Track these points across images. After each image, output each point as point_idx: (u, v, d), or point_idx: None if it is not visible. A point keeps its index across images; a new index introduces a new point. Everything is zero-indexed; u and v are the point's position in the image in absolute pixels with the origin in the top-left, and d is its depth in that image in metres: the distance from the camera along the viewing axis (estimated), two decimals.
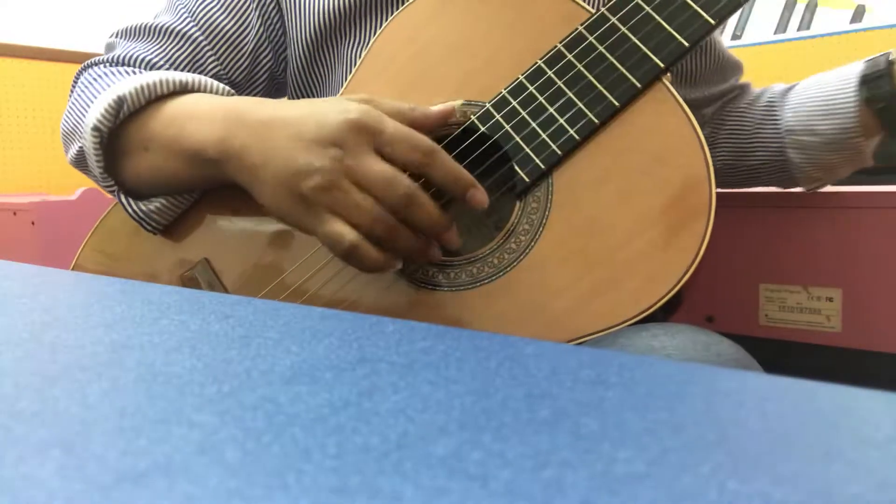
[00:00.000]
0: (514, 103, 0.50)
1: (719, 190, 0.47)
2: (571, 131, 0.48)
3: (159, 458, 0.14)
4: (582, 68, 0.49)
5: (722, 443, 0.14)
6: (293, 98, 0.68)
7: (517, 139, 0.49)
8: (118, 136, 0.56)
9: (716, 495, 0.12)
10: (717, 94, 0.72)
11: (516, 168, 0.49)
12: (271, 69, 0.66)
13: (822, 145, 0.62)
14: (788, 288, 0.68)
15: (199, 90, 0.56)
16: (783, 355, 0.68)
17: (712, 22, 0.48)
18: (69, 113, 0.62)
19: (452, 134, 0.51)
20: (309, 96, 0.67)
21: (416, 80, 0.54)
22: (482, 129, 0.50)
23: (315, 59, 0.64)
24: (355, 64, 0.61)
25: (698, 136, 0.47)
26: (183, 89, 0.55)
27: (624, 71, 0.48)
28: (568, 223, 0.48)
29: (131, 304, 0.28)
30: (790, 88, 0.68)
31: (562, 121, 0.48)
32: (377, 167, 0.44)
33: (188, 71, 0.63)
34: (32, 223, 1.23)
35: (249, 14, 0.64)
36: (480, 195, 0.47)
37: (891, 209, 0.64)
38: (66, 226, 1.26)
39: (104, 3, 2.79)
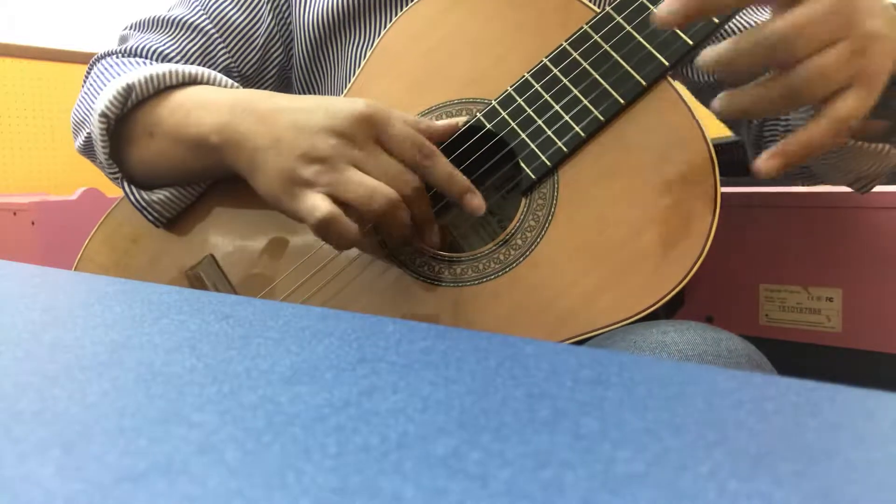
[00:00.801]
0: (520, 101, 0.50)
1: (721, 189, 0.47)
2: (577, 128, 0.48)
3: (159, 458, 0.14)
4: (587, 66, 0.50)
5: (722, 443, 0.14)
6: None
7: (523, 136, 0.49)
8: (125, 123, 0.56)
9: (716, 495, 0.12)
10: None
11: (522, 165, 0.49)
12: (281, 63, 0.67)
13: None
14: (788, 288, 0.68)
15: (208, 83, 0.56)
16: (783, 355, 0.68)
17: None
18: (80, 102, 0.63)
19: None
20: (312, 93, 0.67)
21: (423, 78, 0.54)
22: (488, 126, 0.50)
23: (318, 56, 0.64)
24: (359, 62, 0.62)
25: (703, 134, 0.47)
26: (192, 81, 0.56)
27: (629, 69, 0.48)
28: (573, 220, 0.48)
29: (131, 304, 0.28)
30: None
31: (567, 118, 0.49)
32: (384, 159, 0.45)
33: (199, 63, 0.64)
34: (32, 223, 1.23)
35: (261, 8, 0.64)
36: (477, 200, 0.48)
37: (891, 209, 0.64)
38: (66, 226, 1.26)
39: (105, 3, 2.79)
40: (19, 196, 1.55)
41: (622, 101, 0.48)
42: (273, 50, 0.66)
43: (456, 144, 0.50)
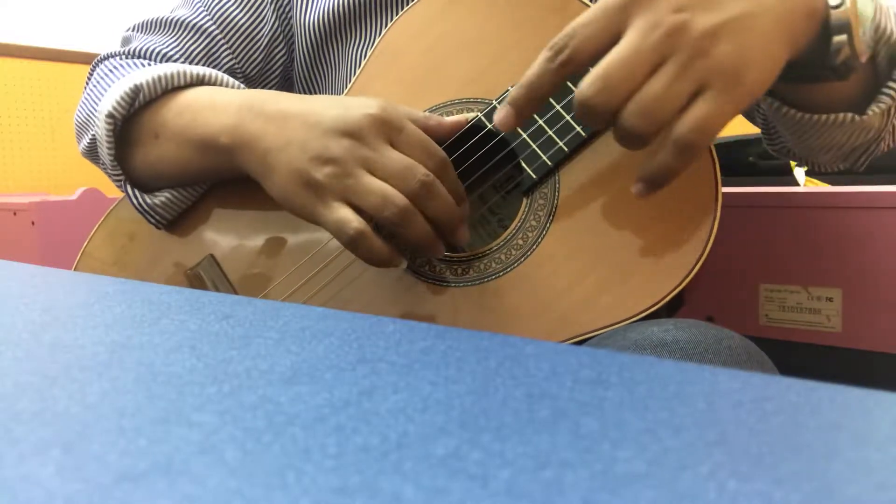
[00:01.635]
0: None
1: (721, 189, 0.47)
2: (578, 129, 0.48)
3: (159, 458, 0.14)
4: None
5: (722, 443, 0.14)
6: None
7: (524, 136, 0.49)
8: (130, 124, 0.56)
9: (716, 495, 0.12)
10: None
11: (523, 165, 0.49)
12: (285, 64, 0.67)
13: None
14: (788, 288, 0.68)
15: (214, 84, 0.56)
16: (783, 355, 0.68)
17: None
18: (84, 103, 0.62)
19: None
20: (313, 93, 0.67)
21: (424, 78, 0.54)
22: (489, 126, 0.50)
23: (319, 56, 0.64)
24: (359, 63, 0.62)
25: None
26: (199, 82, 0.56)
27: None
28: (574, 220, 0.48)
29: (131, 304, 0.28)
30: None
31: (568, 118, 0.49)
32: (394, 155, 0.45)
33: (203, 65, 0.63)
34: (32, 223, 1.23)
35: (265, 9, 0.64)
36: (465, 236, 0.48)
37: (891, 209, 0.64)
38: (66, 226, 1.25)
39: (105, 3, 2.79)
40: (19, 196, 1.55)
41: None
42: (276, 50, 0.66)
43: (457, 144, 0.50)
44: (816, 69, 0.44)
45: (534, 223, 0.49)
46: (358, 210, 0.44)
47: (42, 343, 0.22)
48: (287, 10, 0.65)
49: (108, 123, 0.54)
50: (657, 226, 0.46)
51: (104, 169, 0.60)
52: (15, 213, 1.25)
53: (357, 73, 0.57)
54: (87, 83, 0.64)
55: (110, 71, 0.61)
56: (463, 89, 0.53)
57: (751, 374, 0.18)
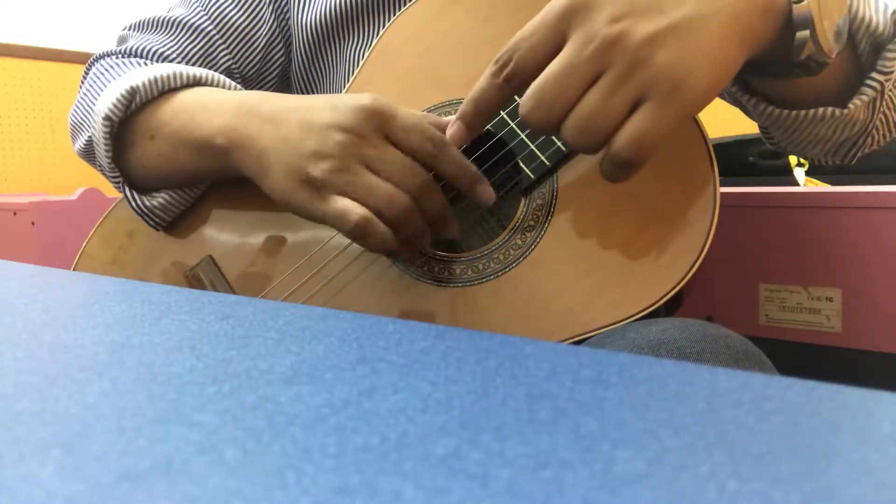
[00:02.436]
0: (519, 100, 0.50)
1: (721, 189, 0.47)
2: None
3: (159, 458, 0.14)
4: None
5: (722, 443, 0.14)
6: None
7: (522, 136, 0.49)
8: (127, 125, 0.56)
9: (716, 495, 0.12)
10: None
11: (521, 165, 0.49)
12: (283, 64, 0.66)
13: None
14: (788, 288, 0.68)
15: (210, 85, 0.56)
16: (783, 355, 0.68)
17: None
18: (79, 103, 0.62)
19: None
20: (311, 94, 0.67)
21: (421, 79, 0.54)
22: (487, 125, 0.50)
23: (316, 58, 0.64)
24: (357, 63, 0.61)
25: (703, 134, 0.47)
26: (195, 83, 0.55)
27: None
28: (573, 219, 0.48)
29: (131, 304, 0.28)
30: None
31: None
32: (395, 155, 0.44)
33: (200, 65, 0.63)
34: (32, 223, 1.23)
35: (262, 9, 0.64)
36: (487, 190, 0.47)
37: (891, 209, 0.64)
38: (66, 226, 1.25)
39: (104, 3, 2.79)
40: (19, 196, 1.55)
41: None
42: (274, 51, 0.65)
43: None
44: (783, 66, 0.43)
45: (532, 223, 0.49)
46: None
47: (42, 343, 0.22)
48: (285, 10, 0.65)
49: (105, 126, 0.54)
50: (656, 226, 0.46)
51: (101, 170, 0.59)
52: (15, 213, 1.25)
53: (354, 74, 0.56)
54: (83, 82, 0.63)
55: (106, 70, 0.61)
56: (461, 89, 0.53)
57: (751, 374, 0.18)
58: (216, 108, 0.51)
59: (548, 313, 0.47)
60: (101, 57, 0.64)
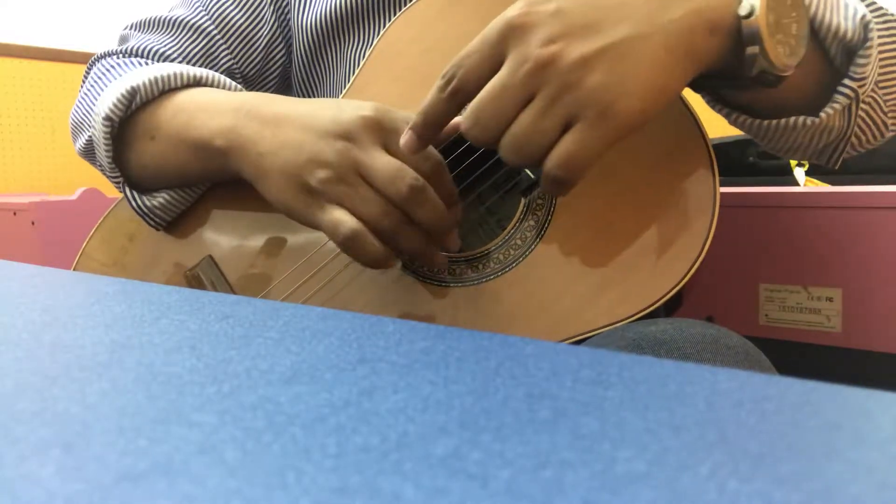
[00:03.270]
0: None
1: (721, 189, 0.47)
2: None
3: (159, 458, 0.14)
4: None
5: (722, 443, 0.14)
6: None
7: None
8: (127, 125, 0.56)
9: (716, 495, 0.12)
10: None
11: None
12: (284, 64, 0.66)
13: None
14: (788, 288, 0.68)
15: (211, 85, 0.56)
16: (783, 355, 0.68)
17: None
18: (80, 103, 0.62)
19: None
20: (310, 96, 0.67)
21: (421, 80, 0.54)
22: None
23: (316, 58, 0.64)
24: (357, 65, 0.61)
25: (703, 136, 0.47)
26: (196, 83, 0.55)
27: None
28: (573, 219, 0.48)
29: (131, 304, 0.28)
30: None
31: None
32: (383, 159, 0.44)
33: (201, 65, 0.63)
34: (32, 223, 1.23)
35: (263, 9, 0.64)
36: (454, 240, 0.48)
37: (891, 209, 0.64)
38: (66, 226, 1.25)
39: (104, 3, 2.79)
40: (19, 196, 1.55)
41: None
42: (276, 51, 0.65)
43: (455, 144, 0.50)
44: (739, 80, 0.42)
45: (532, 223, 0.49)
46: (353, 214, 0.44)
47: (42, 343, 0.22)
48: (286, 10, 0.65)
49: (106, 126, 0.54)
50: (655, 226, 0.46)
51: (101, 170, 0.59)
52: (15, 213, 1.25)
53: (355, 75, 0.56)
54: (84, 82, 0.63)
55: (107, 70, 0.61)
56: None
57: (751, 374, 0.18)
58: (216, 109, 0.51)
59: (548, 313, 0.47)
60: (102, 57, 0.64)
